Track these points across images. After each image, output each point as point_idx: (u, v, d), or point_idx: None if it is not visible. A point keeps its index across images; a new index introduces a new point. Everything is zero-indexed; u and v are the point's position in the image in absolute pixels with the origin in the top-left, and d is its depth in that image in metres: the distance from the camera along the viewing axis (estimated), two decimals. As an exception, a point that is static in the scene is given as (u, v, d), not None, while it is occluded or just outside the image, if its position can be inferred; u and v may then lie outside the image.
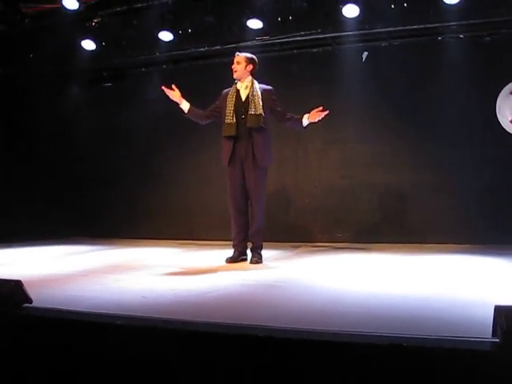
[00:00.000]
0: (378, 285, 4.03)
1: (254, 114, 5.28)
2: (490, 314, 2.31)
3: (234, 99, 5.38)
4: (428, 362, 2.19)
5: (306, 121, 5.39)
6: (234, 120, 5.33)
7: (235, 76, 5.41)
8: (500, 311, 2.25)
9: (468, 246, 6.46)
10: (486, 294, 3.51)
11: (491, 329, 2.29)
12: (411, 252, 6.16)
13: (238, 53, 5.48)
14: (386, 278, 4.39)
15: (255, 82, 5.44)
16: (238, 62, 5.38)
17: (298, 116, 5.43)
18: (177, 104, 5.56)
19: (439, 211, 6.96)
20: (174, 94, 5.50)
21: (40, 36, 8.41)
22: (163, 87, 5.52)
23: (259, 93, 5.36)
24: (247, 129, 5.32)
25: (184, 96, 5.55)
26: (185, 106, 5.55)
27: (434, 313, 2.99)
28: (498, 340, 2.21)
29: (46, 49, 8.48)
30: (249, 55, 5.47)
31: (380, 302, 3.36)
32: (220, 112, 5.46)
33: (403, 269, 4.97)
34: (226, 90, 5.52)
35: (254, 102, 5.30)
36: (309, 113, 5.37)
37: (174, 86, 5.52)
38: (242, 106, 5.36)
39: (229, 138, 5.37)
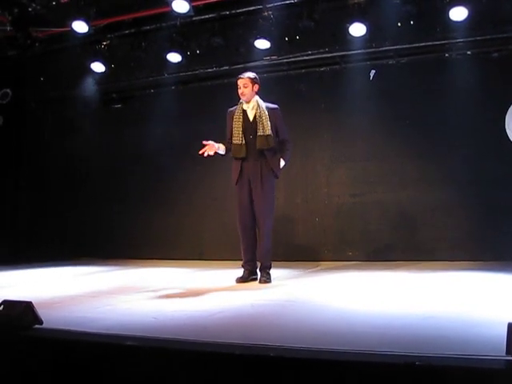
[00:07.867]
0: (390, 303, 4.00)
1: (263, 135, 5.26)
2: (503, 331, 2.29)
3: (241, 119, 5.36)
4: (442, 381, 2.17)
5: (282, 162, 5.45)
6: (244, 141, 5.33)
7: (244, 99, 5.36)
8: (514, 328, 2.22)
9: (480, 262, 6.41)
10: (500, 311, 3.47)
11: (505, 346, 2.27)
12: (422, 269, 6.12)
13: (240, 76, 5.41)
14: (398, 297, 4.36)
15: (260, 100, 5.42)
16: (245, 85, 5.33)
17: (282, 155, 5.45)
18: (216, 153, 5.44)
19: (449, 228, 6.92)
20: (211, 148, 5.34)
21: (50, 59, 8.55)
22: (202, 151, 5.32)
23: (266, 112, 5.34)
24: (257, 150, 5.32)
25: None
26: (222, 150, 5.44)
27: (447, 331, 2.96)
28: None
29: (56, 71, 8.60)
30: (251, 75, 5.40)
31: (393, 321, 3.33)
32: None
33: (415, 287, 4.93)
34: (232, 109, 5.48)
35: (262, 123, 5.28)
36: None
37: (205, 142, 5.34)
38: (249, 126, 5.35)
39: (237, 158, 5.40)
